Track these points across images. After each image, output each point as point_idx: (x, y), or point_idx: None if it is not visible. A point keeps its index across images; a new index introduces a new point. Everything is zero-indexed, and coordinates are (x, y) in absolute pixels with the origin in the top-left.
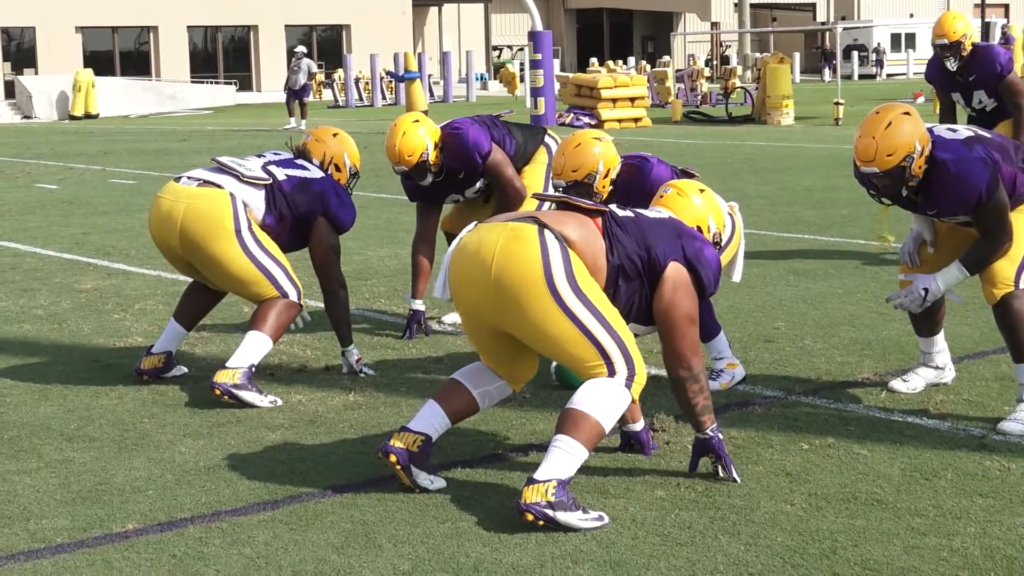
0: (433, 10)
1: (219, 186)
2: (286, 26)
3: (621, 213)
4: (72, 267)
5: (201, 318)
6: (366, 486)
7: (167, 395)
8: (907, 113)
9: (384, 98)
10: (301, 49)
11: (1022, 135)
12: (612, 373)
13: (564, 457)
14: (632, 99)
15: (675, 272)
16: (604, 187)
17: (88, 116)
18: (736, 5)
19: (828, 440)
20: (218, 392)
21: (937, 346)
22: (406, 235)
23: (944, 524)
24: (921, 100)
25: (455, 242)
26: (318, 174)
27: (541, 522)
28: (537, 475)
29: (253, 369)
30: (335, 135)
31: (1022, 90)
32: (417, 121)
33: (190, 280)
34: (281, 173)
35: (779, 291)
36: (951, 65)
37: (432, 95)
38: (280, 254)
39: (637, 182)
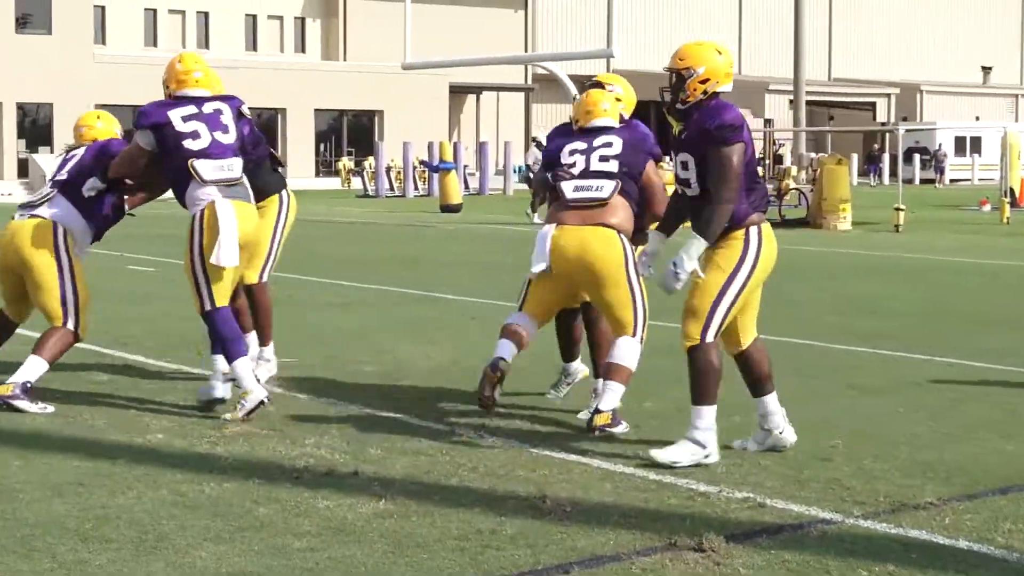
0: (471, 97)
1: (41, 216)
2: (315, 110)
3: (614, 168)
4: (86, 357)
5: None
6: None
7: (188, 495)
8: (721, 55)
9: (416, 188)
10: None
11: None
12: (634, 333)
13: (615, 395)
14: None
15: (650, 170)
16: None
17: None
18: (791, 102)
19: (888, 568)
20: None
21: (761, 409)
22: (437, 332)
23: None
24: (987, 208)
25: (551, 236)
26: (82, 151)
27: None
28: (602, 406)
29: (28, 385)
30: (98, 118)
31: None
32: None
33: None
34: (63, 173)
35: (835, 406)
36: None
37: (467, 187)
38: (83, 286)
39: None
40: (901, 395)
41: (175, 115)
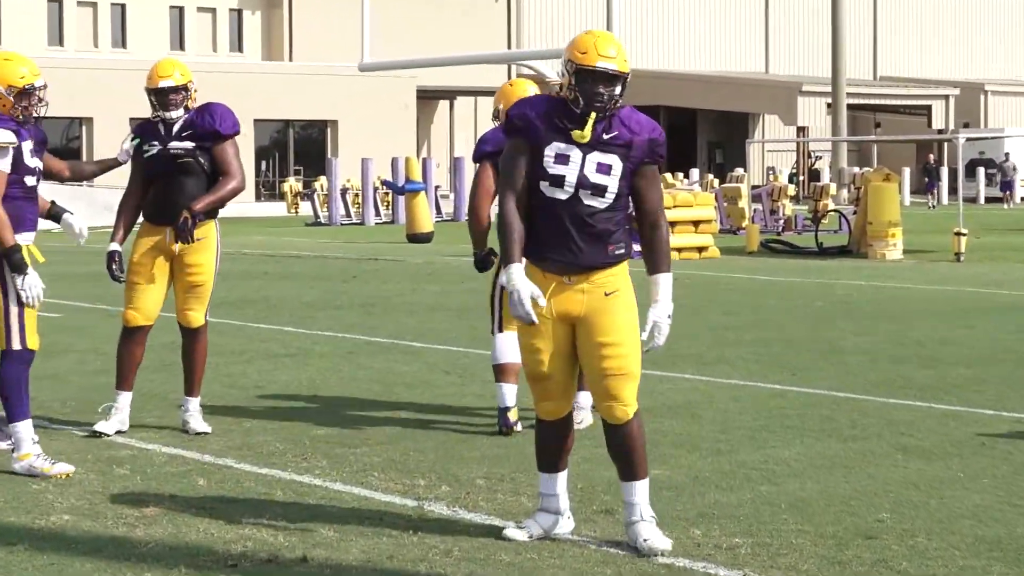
0: (443, 104)
1: None
2: (255, 121)
3: None
4: None
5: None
6: None
7: None
8: None
9: (378, 214)
10: None
11: None
12: None
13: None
14: (696, 223)
15: None
16: None
17: None
18: (829, 106)
19: None
20: None
21: (559, 486)
22: (403, 388)
23: None
24: None
25: None
26: None
27: None
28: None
29: None
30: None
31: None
32: None
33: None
34: None
35: (883, 473)
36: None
37: (439, 212)
38: None
39: None
40: (962, 458)
41: None
